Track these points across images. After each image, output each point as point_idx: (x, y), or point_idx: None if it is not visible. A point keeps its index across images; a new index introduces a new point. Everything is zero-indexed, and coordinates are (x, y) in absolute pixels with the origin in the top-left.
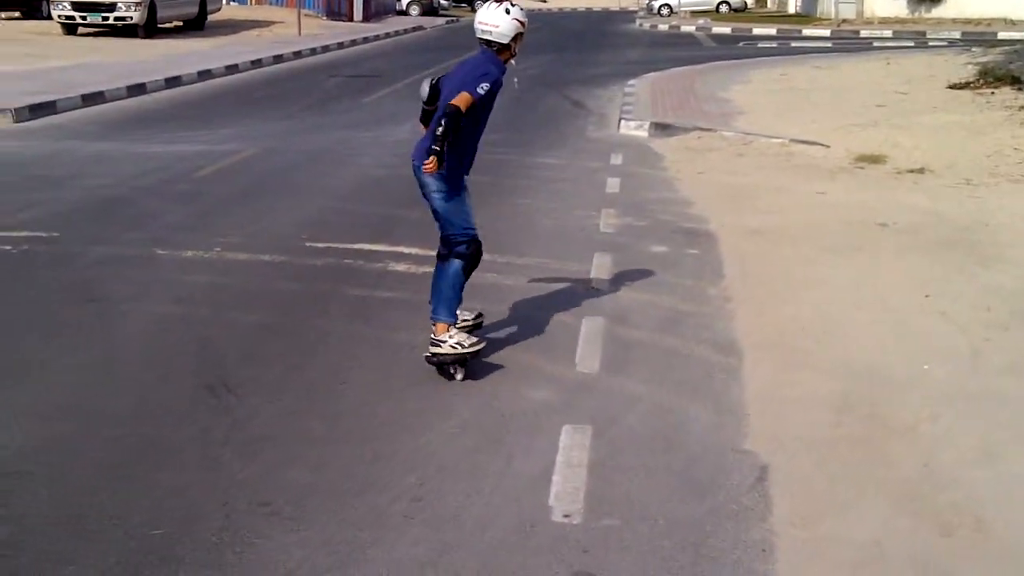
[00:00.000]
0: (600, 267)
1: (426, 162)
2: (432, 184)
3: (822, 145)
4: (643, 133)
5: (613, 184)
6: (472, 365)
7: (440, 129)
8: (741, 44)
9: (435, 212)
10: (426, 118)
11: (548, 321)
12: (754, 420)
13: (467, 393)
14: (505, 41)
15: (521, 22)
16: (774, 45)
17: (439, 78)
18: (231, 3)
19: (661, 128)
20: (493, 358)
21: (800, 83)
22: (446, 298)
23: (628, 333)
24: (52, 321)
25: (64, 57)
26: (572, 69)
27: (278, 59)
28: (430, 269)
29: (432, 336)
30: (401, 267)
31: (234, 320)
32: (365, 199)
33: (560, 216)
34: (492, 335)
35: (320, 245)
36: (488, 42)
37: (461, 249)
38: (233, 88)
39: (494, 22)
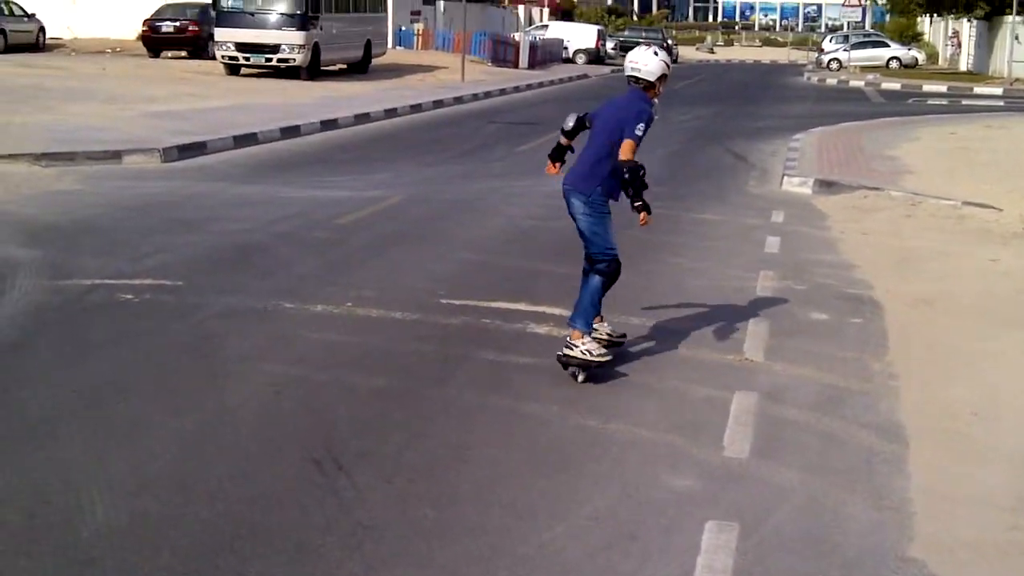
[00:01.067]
0: (755, 335)
1: (640, 218)
2: (580, 207)
3: (994, 208)
4: (807, 190)
5: (772, 243)
6: (599, 374)
7: (632, 186)
8: (911, 101)
9: (581, 232)
10: (557, 153)
11: (696, 395)
12: (920, 520)
13: (601, 477)
14: (652, 79)
15: (667, 63)
16: (944, 102)
17: (588, 114)
18: (397, 47)
19: (825, 185)
20: (635, 436)
21: (971, 143)
22: (584, 308)
23: (783, 412)
24: (161, 379)
25: (223, 97)
26: (736, 121)
27: (438, 104)
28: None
29: (568, 339)
30: (541, 329)
31: (354, 385)
32: (510, 252)
33: (714, 277)
34: (635, 410)
35: (457, 302)
36: (636, 79)
37: (602, 267)
38: (389, 133)
39: (643, 61)
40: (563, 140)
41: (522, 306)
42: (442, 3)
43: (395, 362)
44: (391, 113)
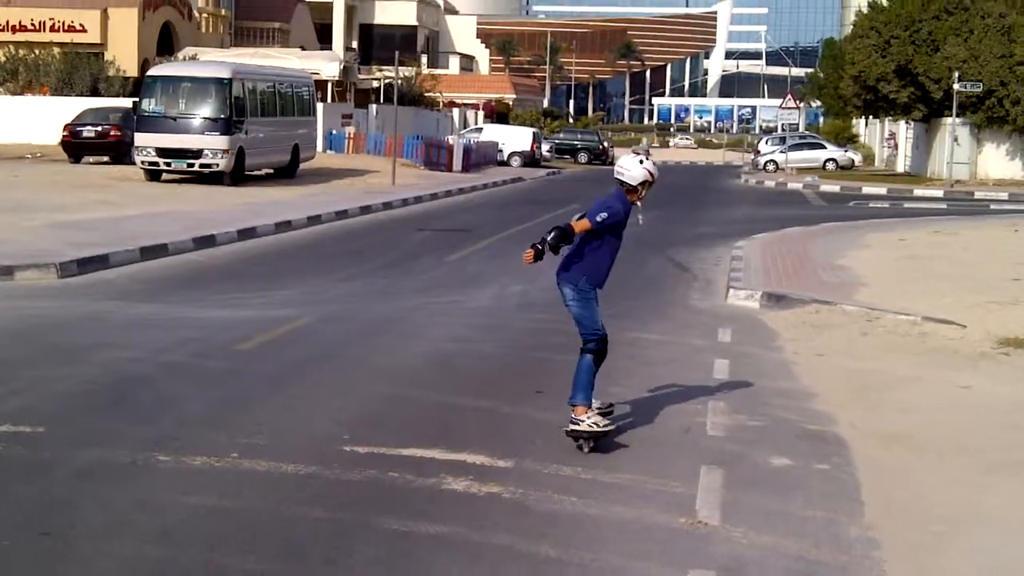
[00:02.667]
0: (709, 491)
1: (526, 254)
2: (570, 295)
3: (958, 325)
4: (754, 304)
5: (721, 368)
6: (604, 445)
7: (551, 235)
8: (851, 203)
9: (572, 316)
10: (539, 252)
11: None
12: None
13: None
14: (634, 184)
15: (651, 172)
16: (886, 205)
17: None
18: (328, 151)
19: (774, 299)
20: None
21: (921, 250)
22: (582, 385)
23: None
24: None
25: (139, 205)
26: (675, 227)
27: (365, 210)
28: (496, 489)
29: (572, 416)
30: (459, 484)
31: (224, 569)
32: (429, 383)
33: (659, 411)
34: None
35: (362, 450)
36: (621, 182)
37: (591, 346)
38: (310, 242)
39: (628, 167)
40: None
41: (437, 453)
42: (374, 107)
43: (278, 535)
44: (314, 220)
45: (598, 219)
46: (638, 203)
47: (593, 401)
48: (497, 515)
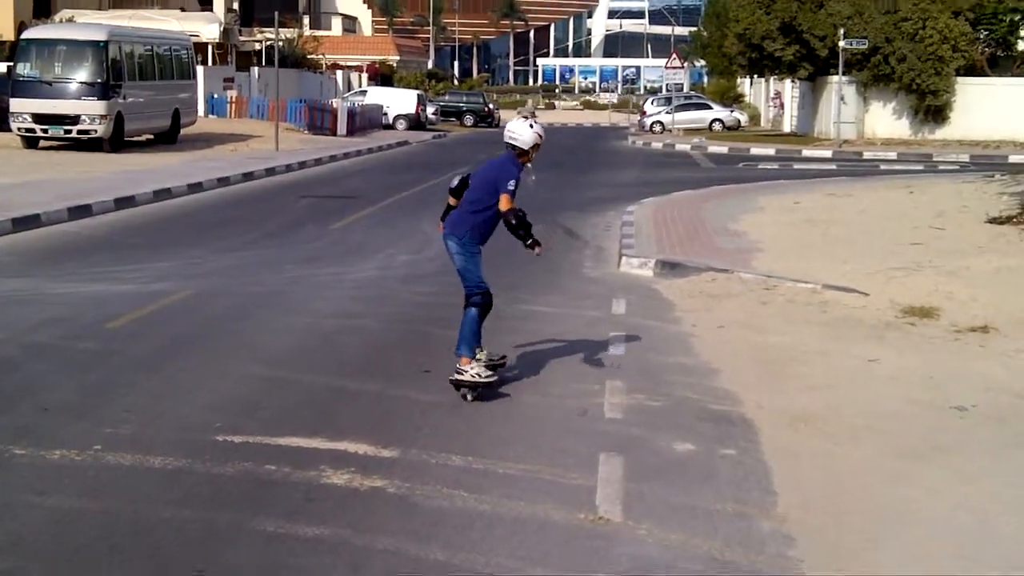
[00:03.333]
0: (609, 482)
1: (535, 251)
2: (455, 247)
3: (860, 293)
4: (647, 272)
5: (618, 342)
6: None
7: (521, 229)
8: (741, 165)
9: (457, 269)
10: (446, 213)
11: None
12: None
13: None
14: (525, 148)
15: (540, 135)
16: (775, 167)
17: (468, 174)
18: (210, 116)
19: (668, 267)
20: None
21: (817, 213)
22: (465, 337)
23: None
24: None
25: (14, 174)
26: (564, 192)
27: (248, 177)
28: (381, 483)
29: (457, 366)
30: (340, 479)
31: None
32: (310, 363)
33: (554, 391)
34: None
35: (236, 439)
36: (512, 146)
37: (476, 299)
38: (190, 210)
39: (519, 131)
40: (451, 200)
41: (318, 443)
42: (256, 70)
43: (140, 541)
44: (195, 188)
45: (510, 187)
46: (529, 164)
47: (481, 352)
48: (382, 513)
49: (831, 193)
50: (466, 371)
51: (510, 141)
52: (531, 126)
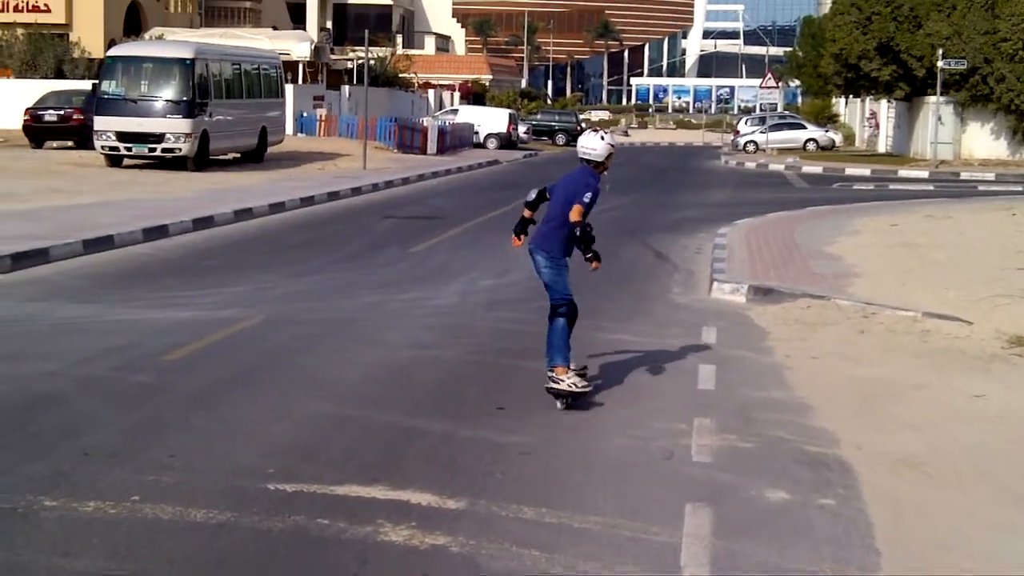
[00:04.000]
0: (695, 538)
1: (592, 265)
2: (543, 261)
3: (963, 321)
4: (740, 298)
5: (707, 375)
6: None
7: (582, 242)
8: (835, 186)
9: (544, 283)
10: (521, 226)
11: None
12: None
13: None
14: (600, 160)
15: (612, 145)
16: (871, 187)
17: (546, 187)
18: (299, 134)
19: (762, 293)
20: None
21: (916, 236)
22: (558, 347)
23: None
24: None
25: (95, 193)
26: (654, 212)
27: (333, 196)
28: (443, 540)
29: (551, 375)
30: (399, 535)
31: None
32: (378, 400)
33: (636, 431)
34: None
35: (289, 487)
36: (587, 160)
37: (563, 310)
38: (270, 232)
39: (592, 145)
40: (527, 213)
41: (378, 491)
42: (347, 88)
43: None
44: (277, 208)
45: (586, 199)
46: (605, 173)
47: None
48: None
49: (930, 215)
50: (562, 380)
51: (585, 156)
52: (602, 138)
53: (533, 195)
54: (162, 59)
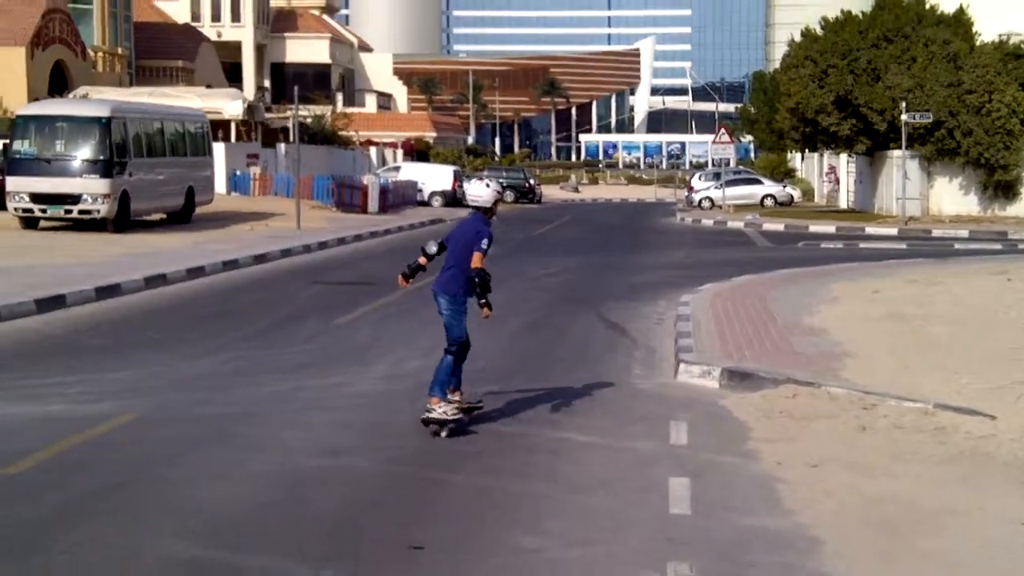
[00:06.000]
0: None
1: (484, 314)
2: (445, 304)
3: (985, 416)
4: (712, 383)
5: (680, 493)
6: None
7: (480, 289)
8: (801, 244)
9: (444, 324)
10: (412, 271)
11: None
12: None
13: None
14: (488, 205)
15: (498, 192)
16: (840, 246)
17: (443, 239)
18: (232, 193)
19: (738, 378)
20: None
21: (904, 305)
22: (440, 381)
23: None
24: None
25: None
26: (608, 276)
27: (260, 259)
28: None
29: (428, 406)
30: None
31: None
32: (258, 537)
33: None
34: None
35: None
36: (476, 207)
37: (453, 349)
38: (182, 301)
39: (480, 193)
40: (423, 260)
41: None
42: (283, 146)
43: None
44: (196, 273)
45: (483, 246)
46: (493, 218)
47: (463, 396)
48: None
49: (913, 279)
50: (435, 409)
51: (474, 203)
52: (487, 186)
53: (433, 248)
54: (77, 117)
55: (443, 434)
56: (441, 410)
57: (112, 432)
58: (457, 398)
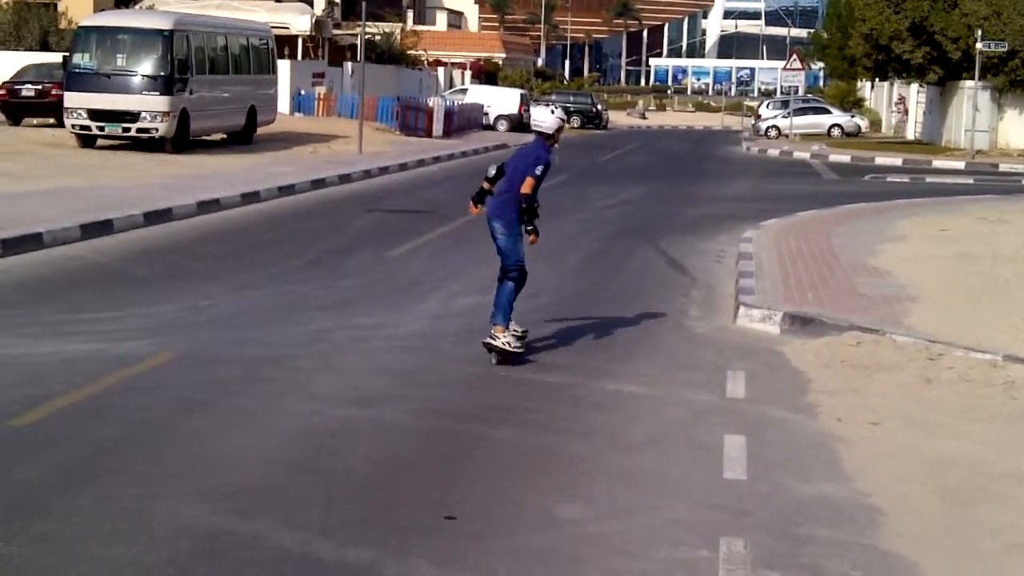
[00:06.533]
0: None
1: (529, 239)
2: (500, 228)
3: None
4: (772, 328)
5: (735, 454)
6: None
7: (527, 216)
8: (867, 177)
9: (499, 248)
10: (479, 196)
11: None
12: None
13: None
14: (551, 132)
15: (562, 119)
16: (906, 180)
17: (503, 163)
18: (296, 114)
19: (800, 323)
20: None
21: (973, 245)
22: (503, 307)
23: None
24: None
25: (50, 177)
26: (670, 206)
27: (318, 184)
28: None
29: (491, 332)
30: None
31: None
32: (278, 501)
33: (639, 558)
34: None
35: None
36: (539, 132)
37: (514, 275)
38: (232, 228)
39: (543, 118)
40: (486, 185)
41: None
42: (350, 65)
43: None
44: (250, 198)
45: (537, 172)
46: (555, 146)
47: (514, 326)
48: None
49: (982, 217)
50: (499, 337)
51: (537, 128)
52: (552, 112)
53: (492, 171)
54: (139, 30)
55: (494, 361)
56: (504, 339)
57: (141, 376)
58: (516, 329)
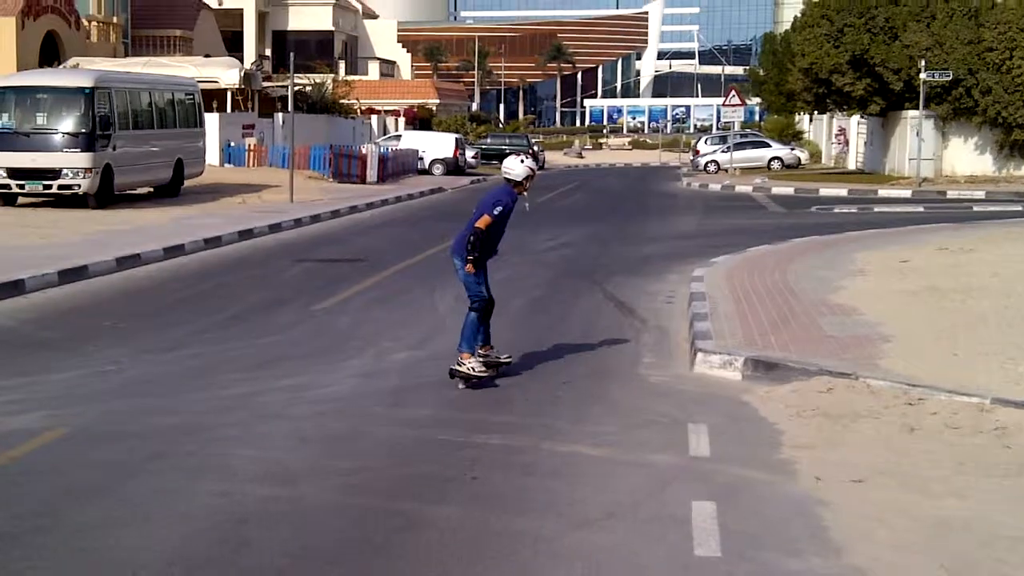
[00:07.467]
0: None
1: (467, 267)
2: (458, 263)
3: None
4: (734, 375)
5: (705, 525)
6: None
7: (470, 245)
8: (813, 209)
9: (461, 281)
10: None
11: None
12: None
13: None
14: (519, 179)
15: (532, 169)
16: (854, 210)
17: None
18: (226, 165)
19: (763, 368)
20: None
21: (938, 277)
22: (467, 337)
23: None
24: None
25: None
26: (614, 247)
27: (245, 235)
28: None
29: (458, 359)
30: None
31: None
32: None
33: None
34: None
35: None
36: (508, 179)
37: (475, 306)
38: (152, 284)
39: (512, 167)
40: None
41: None
42: (280, 115)
43: None
44: (173, 252)
45: (495, 212)
46: (524, 193)
47: (492, 351)
48: None
49: (943, 247)
50: (464, 364)
51: (506, 176)
52: (522, 161)
53: None
54: (58, 88)
55: (461, 386)
56: (469, 364)
57: (27, 456)
58: (485, 352)
